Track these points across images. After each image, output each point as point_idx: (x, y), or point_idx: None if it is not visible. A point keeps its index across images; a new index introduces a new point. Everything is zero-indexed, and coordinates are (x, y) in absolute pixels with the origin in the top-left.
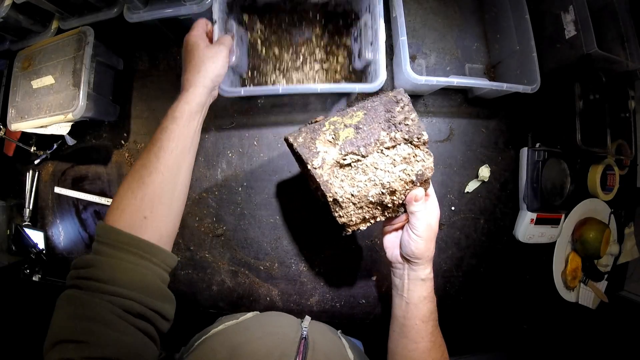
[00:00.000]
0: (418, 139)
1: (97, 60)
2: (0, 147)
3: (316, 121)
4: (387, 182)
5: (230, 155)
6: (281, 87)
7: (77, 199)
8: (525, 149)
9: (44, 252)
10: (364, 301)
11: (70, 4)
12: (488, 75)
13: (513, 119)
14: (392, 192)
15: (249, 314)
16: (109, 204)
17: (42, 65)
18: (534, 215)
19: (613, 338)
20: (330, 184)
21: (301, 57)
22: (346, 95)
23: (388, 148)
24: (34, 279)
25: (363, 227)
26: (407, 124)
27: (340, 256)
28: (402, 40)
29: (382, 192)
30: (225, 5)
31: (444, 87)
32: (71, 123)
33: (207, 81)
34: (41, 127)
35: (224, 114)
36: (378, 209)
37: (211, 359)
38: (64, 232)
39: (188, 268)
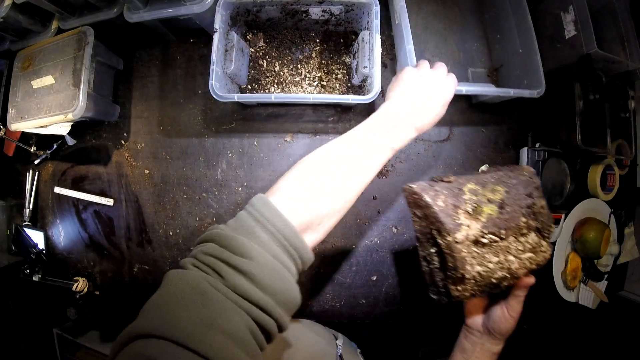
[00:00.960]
0: (548, 231)
1: (97, 60)
2: (0, 147)
3: (448, 181)
4: (515, 268)
5: (230, 155)
6: (274, 94)
7: (77, 199)
8: (525, 149)
9: (44, 252)
10: (364, 301)
11: (70, 4)
12: (491, 78)
13: (513, 119)
14: (513, 278)
15: None
16: (109, 204)
17: (42, 65)
18: None
19: (613, 338)
20: (466, 260)
21: (300, 74)
22: (340, 107)
23: (522, 235)
24: (34, 279)
25: (467, 300)
26: (542, 214)
27: (340, 256)
28: (409, 48)
29: (506, 277)
30: (228, 17)
31: None
32: (71, 123)
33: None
34: (41, 127)
35: (225, 115)
36: (491, 288)
37: None
38: (64, 232)
39: None
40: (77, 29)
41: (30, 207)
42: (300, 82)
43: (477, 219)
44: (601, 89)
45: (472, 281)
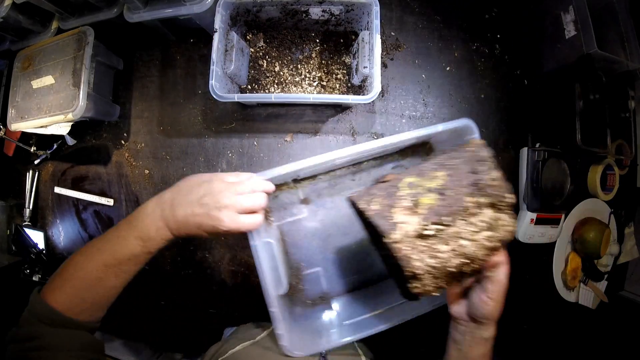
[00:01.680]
0: (502, 200)
1: (97, 60)
2: (0, 147)
3: (385, 180)
4: (471, 251)
5: (230, 155)
6: (274, 95)
7: (77, 199)
8: (525, 149)
9: (44, 252)
10: None
11: (70, 4)
12: None
13: (513, 119)
14: (474, 261)
15: (264, 332)
16: (109, 204)
17: (42, 65)
18: (534, 215)
19: (613, 338)
20: (409, 257)
21: (301, 74)
22: (340, 107)
23: (473, 214)
24: (34, 279)
25: (436, 293)
26: (493, 187)
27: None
28: None
29: (464, 262)
30: (228, 17)
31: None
32: (71, 123)
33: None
34: (41, 127)
35: (225, 115)
36: (454, 276)
37: None
38: (64, 232)
39: (188, 268)
40: (77, 29)
41: (30, 207)
42: (300, 82)
43: (417, 212)
44: (601, 89)
45: (428, 275)
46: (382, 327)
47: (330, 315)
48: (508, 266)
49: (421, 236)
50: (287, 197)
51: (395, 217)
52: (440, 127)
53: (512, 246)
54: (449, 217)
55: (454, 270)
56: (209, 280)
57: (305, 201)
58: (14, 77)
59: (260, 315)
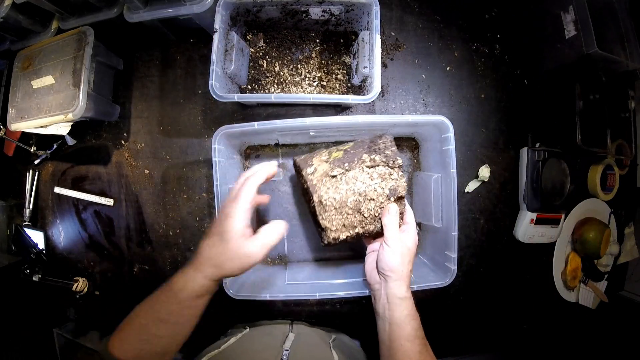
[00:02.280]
0: (393, 162)
1: (97, 60)
2: (0, 147)
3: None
4: (364, 191)
5: None
6: (274, 95)
7: (77, 199)
8: (525, 149)
9: (44, 252)
10: (364, 301)
11: (70, 4)
12: None
13: (513, 119)
14: (368, 201)
15: (232, 339)
16: (109, 204)
17: (42, 65)
18: (534, 215)
19: (613, 338)
20: (318, 187)
21: (301, 74)
22: (340, 107)
23: (368, 167)
24: (34, 279)
25: (342, 235)
26: (387, 153)
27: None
28: None
29: (359, 200)
30: (228, 17)
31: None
32: (71, 123)
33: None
34: (41, 127)
35: (225, 115)
36: (356, 216)
37: None
38: (64, 232)
39: None
40: (77, 29)
41: (30, 207)
42: (300, 82)
43: (328, 161)
44: (601, 89)
45: (333, 208)
46: (316, 295)
47: (281, 275)
48: (414, 236)
49: (329, 176)
50: (268, 158)
51: (313, 162)
52: (410, 118)
53: (512, 246)
54: (348, 164)
55: (352, 205)
56: None
57: (282, 166)
58: (14, 77)
59: (260, 315)
